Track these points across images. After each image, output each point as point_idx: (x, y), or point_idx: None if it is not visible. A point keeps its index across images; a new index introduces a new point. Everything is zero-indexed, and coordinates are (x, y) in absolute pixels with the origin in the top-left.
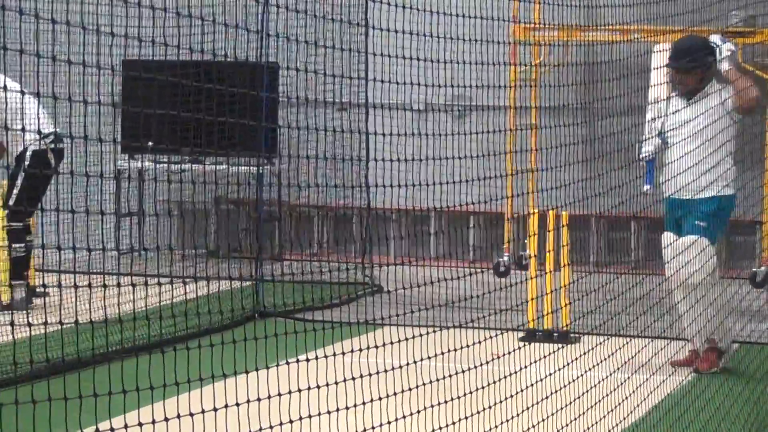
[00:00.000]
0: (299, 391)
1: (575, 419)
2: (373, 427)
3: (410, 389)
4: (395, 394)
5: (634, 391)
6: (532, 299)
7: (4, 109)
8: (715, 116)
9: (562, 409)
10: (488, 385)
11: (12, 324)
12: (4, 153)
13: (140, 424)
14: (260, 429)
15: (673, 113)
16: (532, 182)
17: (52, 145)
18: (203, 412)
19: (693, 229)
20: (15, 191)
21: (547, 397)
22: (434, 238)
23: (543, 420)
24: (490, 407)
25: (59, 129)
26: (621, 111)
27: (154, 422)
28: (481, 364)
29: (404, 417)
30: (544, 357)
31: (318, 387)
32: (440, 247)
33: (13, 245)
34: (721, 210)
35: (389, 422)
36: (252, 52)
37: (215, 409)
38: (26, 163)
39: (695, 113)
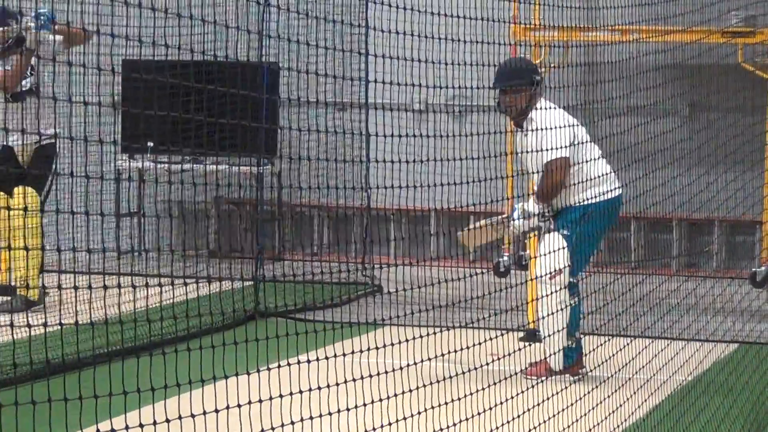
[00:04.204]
0: (300, 392)
1: (577, 420)
2: (373, 429)
3: (410, 390)
4: (395, 395)
5: (635, 392)
6: (532, 300)
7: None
8: (548, 139)
9: (563, 410)
10: (489, 386)
11: (12, 325)
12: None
13: (141, 426)
14: (261, 430)
15: (519, 151)
16: (532, 183)
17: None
18: (204, 413)
19: None
20: (46, 188)
21: (548, 398)
22: (434, 238)
23: (545, 421)
24: (491, 408)
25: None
26: (621, 111)
27: (155, 423)
28: (482, 366)
29: (405, 418)
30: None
31: (318, 388)
32: (440, 247)
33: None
34: (588, 216)
35: (390, 423)
36: (252, 52)
37: (216, 411)
38: (56, 158)
39: (530, 142)
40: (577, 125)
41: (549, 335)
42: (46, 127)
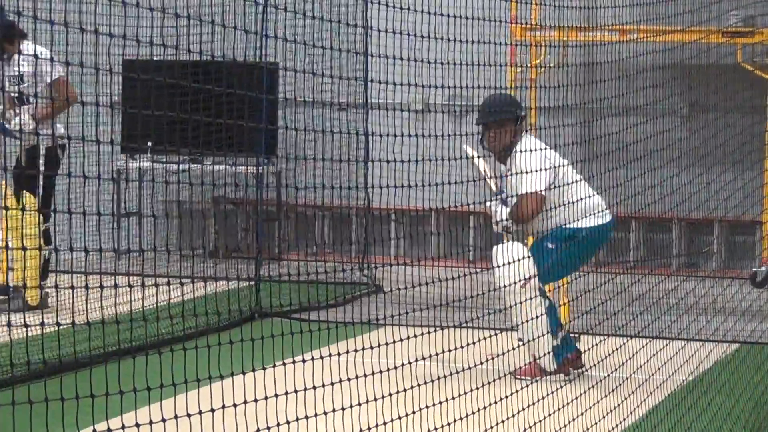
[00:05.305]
0: (297, 391)
1: (574, 419)
2: (372, 428)
3: (408, 389)
4: (393, 394)
5: (634, 391)
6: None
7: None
8: (530, 168)
9: (560, 409)
10: (485, 385)
11: (9, 325)
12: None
13: (137, 425)
14: (258, 430)
15: (499, 176)
16: None
17: (60, 141)
18: (200, 413)
19: (540, 249)
20: (40, 191)
21: (545, 397)
22: (434, 238)
23: (541, 420)
24: (486, 407)
25: (60, 126)
26: (619, 111)
27: (151, 423)
28: (477, 364)
29: (400, 417)
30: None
31: (317, 387)
32: (440, 247)
33: (46, 245)
34: (577, 238)
35: (385, 423)
36: (252, 52)
37: (212, 410)
38: (42, 160)
39: (512, 179)
40: (563, 164)
41: (535, 339)
42: (45, 127)
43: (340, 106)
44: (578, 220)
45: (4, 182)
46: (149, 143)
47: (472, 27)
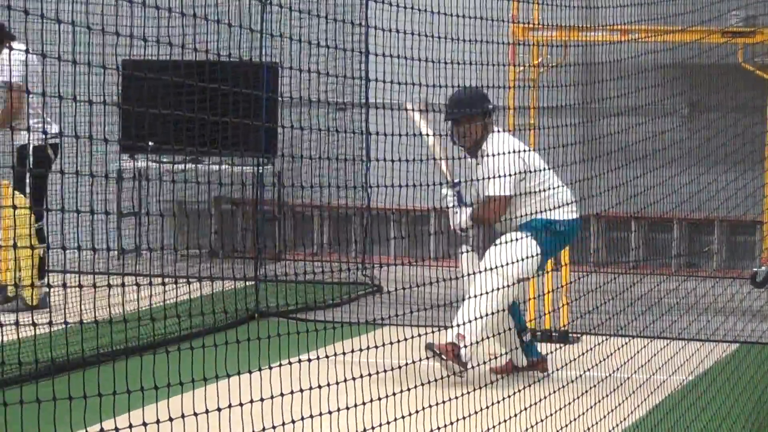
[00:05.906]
0: (300, 391)
1: (575, 419)
2: (373, 427)
3: (411, 389)
4: (395, 394)
5: (634, 391)
6: (532, 299)
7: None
8: (500, 170)
9: (561, 409)
10: (486, 385)
11: (17, 324)
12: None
13: (145, 424)
14: (264, 429)
15: (470, 172)
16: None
17: (51, 140)
18: (206, 412)
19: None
20: (28, 190)
21: (546, 397)
22: (434, 238)
23: (542, 420)
24: (488, 407)
25: (55, 125)
26: (620, 111)
27: (158, 421)
28: (479, 365)
29: (404, 417)
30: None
31: (318, 387)
32: (440, 247)
33: (40, 244)
34: (552, 230)
35: (388, 422)
36: (252, 52)
37: (217, 410)
38: (30, 159)
39: (482, 171)
40: (531, 152)
41: (497, 334)
42: (48, 125)
43: (344, 105)
44: (552, 210)
45: (5, 181)
46: (150, 143)
47: (472, 26)
